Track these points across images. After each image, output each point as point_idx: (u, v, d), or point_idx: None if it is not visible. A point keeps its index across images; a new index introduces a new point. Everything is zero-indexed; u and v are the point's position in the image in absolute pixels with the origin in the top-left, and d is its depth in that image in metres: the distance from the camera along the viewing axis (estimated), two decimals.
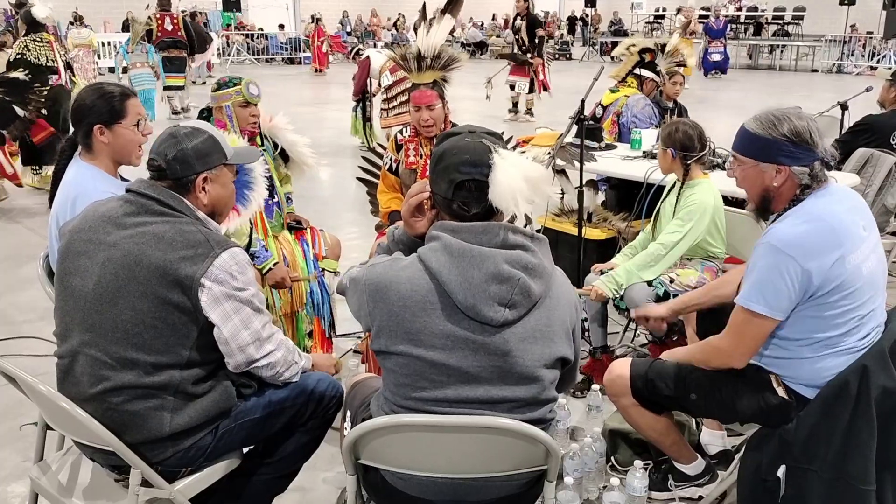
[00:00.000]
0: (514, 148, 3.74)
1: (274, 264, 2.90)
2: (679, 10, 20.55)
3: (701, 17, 18.81)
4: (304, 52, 23.08)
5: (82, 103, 2.33)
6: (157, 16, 10.24)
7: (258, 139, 3.09)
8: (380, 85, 8.21)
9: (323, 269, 3.22)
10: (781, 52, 21.01)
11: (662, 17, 24.42)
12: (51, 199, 2.40)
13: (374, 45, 16.44)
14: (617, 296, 3.03)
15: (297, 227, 3.29)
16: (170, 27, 10.34)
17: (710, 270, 3.08)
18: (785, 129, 1.92)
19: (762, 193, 2.01)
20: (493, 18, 27.30)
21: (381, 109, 8.22)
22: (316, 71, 19.02)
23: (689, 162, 3.01)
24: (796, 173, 1.94)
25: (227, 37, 21.09)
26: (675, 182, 3.13)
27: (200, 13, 17.59)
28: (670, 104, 5.19)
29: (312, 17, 20.19)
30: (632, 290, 2.99)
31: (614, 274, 3.01)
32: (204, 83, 15.01)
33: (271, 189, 3.11)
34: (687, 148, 2.99)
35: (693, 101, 5.30)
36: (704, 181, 3.05)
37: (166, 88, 10.55)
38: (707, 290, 2.62)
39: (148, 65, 10.35)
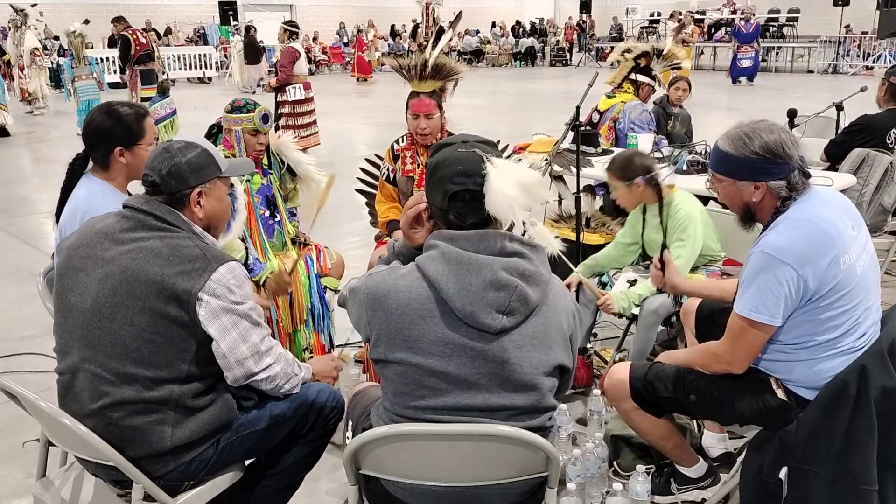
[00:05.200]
0: (510, 155, 3.76)
1: (270, 273, 2.89)
2: (672, 16, 20.60)
3: (696, 20, 18.80)
4: None
5: (100, 127, 2.35)
6: (131, 31, 10.39)
7: (264, 159, 3.11)
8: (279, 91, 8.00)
9: (325, 287, 3.22)
10: (777, 53, 21.06)
11: (657, 21, 24.49)
12: (57, 214, 2.41)
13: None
14: (629, 311, 2.98)
15: (301, 242, 3.29)
16: (143, 40, 10.52)
17: (715, 275, 3.08)
18: (756, 146, 1.91)
19: (744, 208, 2.03)
20: (493, 26, 27.39)
21: (280, 124, 7.87)
22: (358, 80, 19.63)
23: (656, 182, 2.81)
24: (773, 188, 1.94)
25: (226, 49, 21.14)
26: (644, 208, 3.01)
27: (254, 28, 17.80)
28: (675, 110, 5.22)
29: (357, 27, 20.52)
30: None
31: (638, 290, 2.95)
32: (253, 92, 15.79)
33: (273, 208, 3.11)
34: (649, 170, 2.86)
35: (688, 103, 5.31)
36: (677, 194, 3.00)
37: (143, 101, 10.66)
38: (719, 285, 2.59)
39: (92, 77, 10.56)
